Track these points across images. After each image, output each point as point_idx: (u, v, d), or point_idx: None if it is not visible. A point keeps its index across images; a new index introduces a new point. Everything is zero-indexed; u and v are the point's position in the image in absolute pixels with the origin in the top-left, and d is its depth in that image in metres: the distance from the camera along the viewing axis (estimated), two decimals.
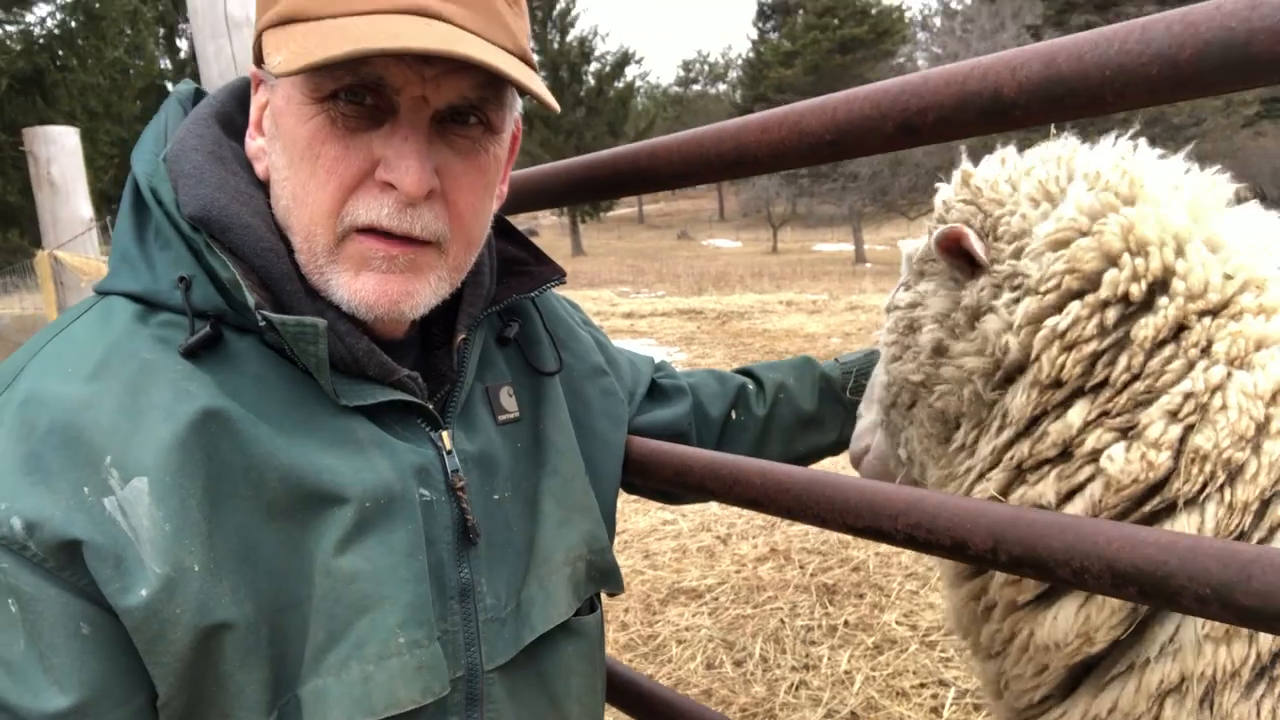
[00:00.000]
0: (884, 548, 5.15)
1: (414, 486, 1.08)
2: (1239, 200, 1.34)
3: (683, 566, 5.34)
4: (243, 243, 1.04)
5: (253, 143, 1.13)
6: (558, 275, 1.32)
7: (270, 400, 1.03)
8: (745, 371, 1.78)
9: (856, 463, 1.74)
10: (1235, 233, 1.26)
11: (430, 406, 1.14)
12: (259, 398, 1.02)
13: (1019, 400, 1.28)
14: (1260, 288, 1.23)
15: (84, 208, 6.42)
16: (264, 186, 1.10)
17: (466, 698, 1.11)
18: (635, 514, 6.08)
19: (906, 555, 5.06)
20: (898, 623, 4.37)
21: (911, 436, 1.50)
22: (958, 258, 1.35)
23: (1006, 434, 1.30)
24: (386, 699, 1.01)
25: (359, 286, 1.05)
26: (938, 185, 1.50)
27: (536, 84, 1.03)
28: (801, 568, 5.12)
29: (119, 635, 0.91)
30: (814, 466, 1.46)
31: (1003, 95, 0.82)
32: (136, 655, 0.91)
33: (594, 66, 53.89)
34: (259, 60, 1.07)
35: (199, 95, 1.23)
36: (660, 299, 20.67)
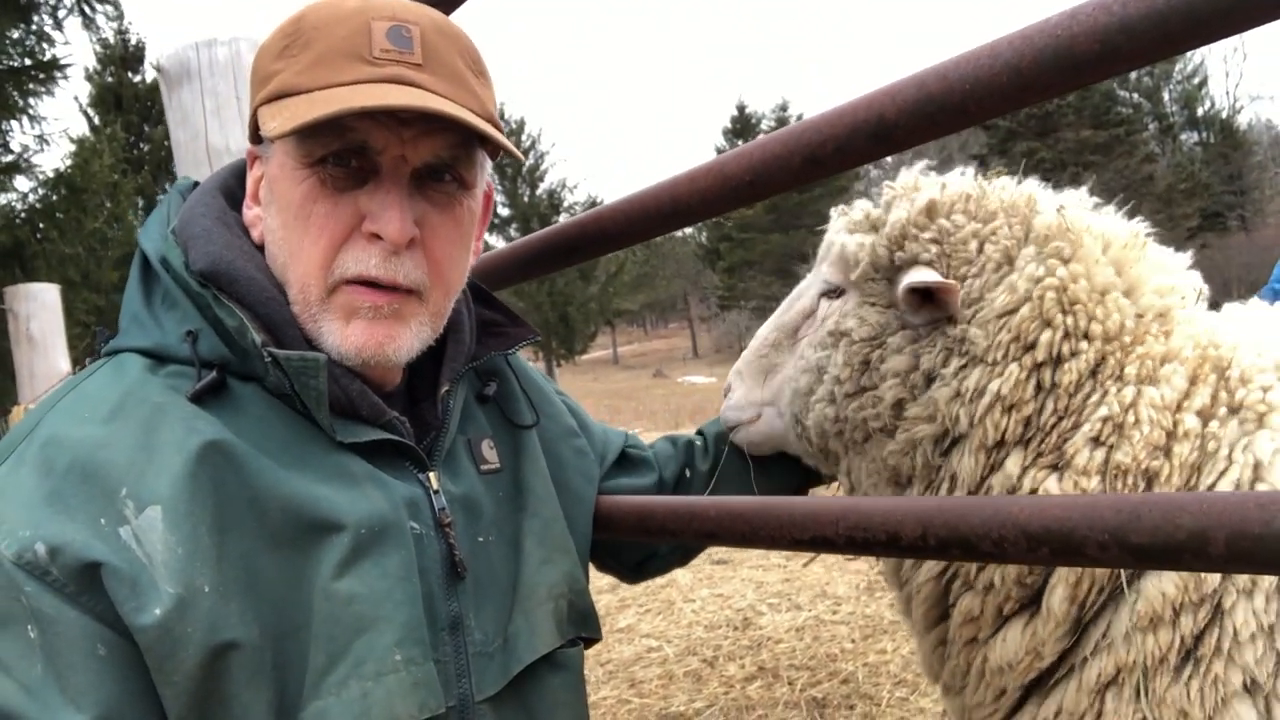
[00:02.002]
0: (872, 657, 5.08)
1: (405, 517, 1.16)
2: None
3: (670, 692, 5.22)
4: (248, 293, 1.14)
5: (249, 211, 1.25)
6: (531, 334, 1.44)
7: (271, 439, 1.12)
8: (700, 430, 1.86)
9: (731, 426, 1.75)
10: (1150, 274, 1.41)
11: (418, 449, 1.22)
12: (261, 436, 1.11)
13: (967, 464, 1.37)
14: (1163, 315, 1.38)
15: (62, 361, 6.48)
16: (261, 249, 1.22)
17: None
18: (619, 643, 5.98)
19: (894, 663, 4.99)
20: None
21: (859, 470, 1.55)
22: (921, 295, 1.42)
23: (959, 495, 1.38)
24: (385, 715, 1.05)
25: (348, 333, 1.15)
26: (886, 185, 1.57)
27: (503, 139, 1.16)
28: (790, 684, 5.03)
29: (134, 659, 0.96)
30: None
31: (886, 119, 0.95)
32: (149, 680, 0.96)
33: (563, 217, 55.63)
34: (255, 137, 1.20)
35: (194, 187, 1.36)
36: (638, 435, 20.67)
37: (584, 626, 1.39)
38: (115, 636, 0.95)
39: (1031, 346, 1.34)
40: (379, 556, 1.11)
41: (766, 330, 1.76)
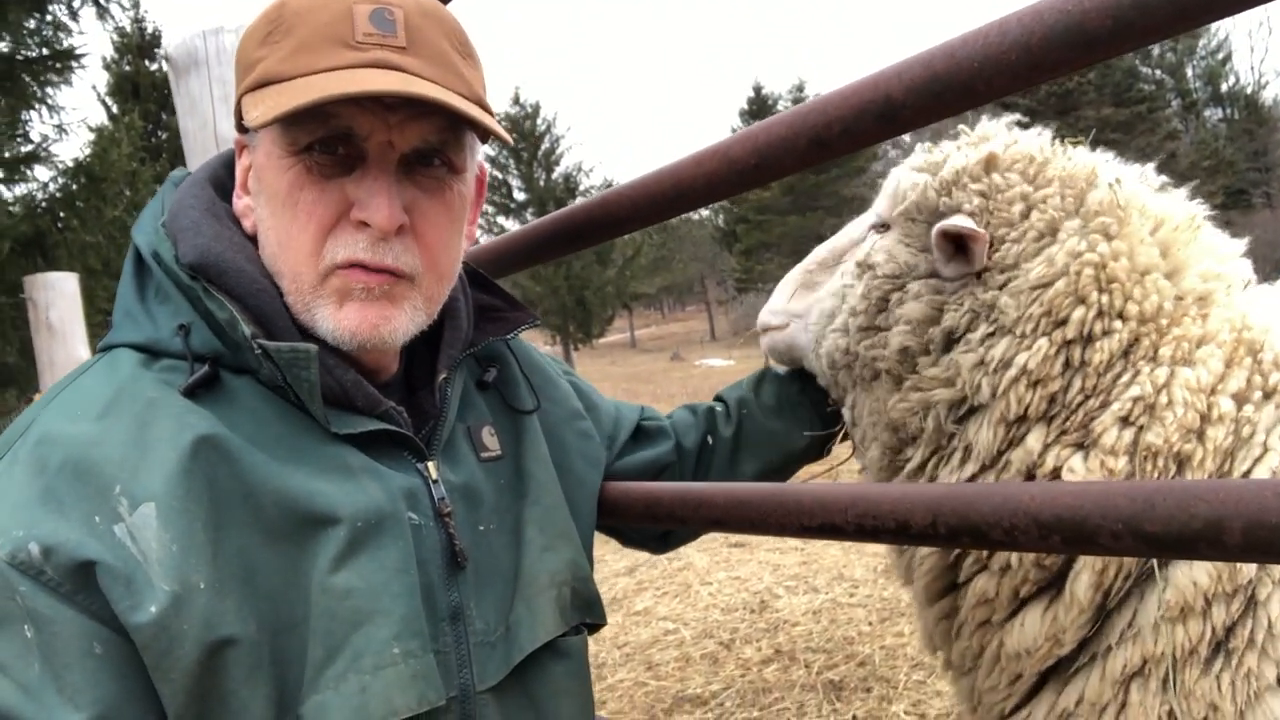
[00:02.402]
0: (889, 640, 5.07)
1: (403, 509, 1.15)
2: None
3: (686, 675, 5.23)
4: (237, 285, 1.13)
5: (239, 201, 1.24)
6: (530, 319, 1.43)
7: (265, 432, 1.11)
8: (719, 397, 1.84)
9: (763, 329, 1.78)
10: (1198, 259, 1.36)
11: (415, 438, 1.21)
12: (255, 430, 1.10)
13: (985, 436, 1.33)
14: (1204, 299, 1.34)
15: (81, 349, 6.52)
16: (253, 240, 1.21)
17: (460, 719, 1.15)
18: (636, 625, 5.99)
19: (911, 646, 4.98)
20: (906, 713, 4.28)
21: (862, 406, 1.53)
22: (954, 245, 1.39)
23: (970, 468, 1.35)
24: (384, 708, 1.05)
25: (342, 317, 1.14)
26: (961, 128, 1.52)
27: (490, 123, 1.14)
28: (807, 667, 5.03)
29: (130, 657, 0.96)
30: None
31: (893, 99, 0.93)
32: (147, 678, 0.96)
33: (579, 200, 55.26)
34: (241, 126, 1.19)
35: None
36: None
37: (588, 613, 1.38)
38: (111, 635, 0.95)
39: (1063, 322, 1.30)
40: (376, 549, 1.10)
41: (822, 247, 1.76)
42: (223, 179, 1.29)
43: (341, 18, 1.09)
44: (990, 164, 1.43)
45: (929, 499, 1.01)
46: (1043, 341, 1.30)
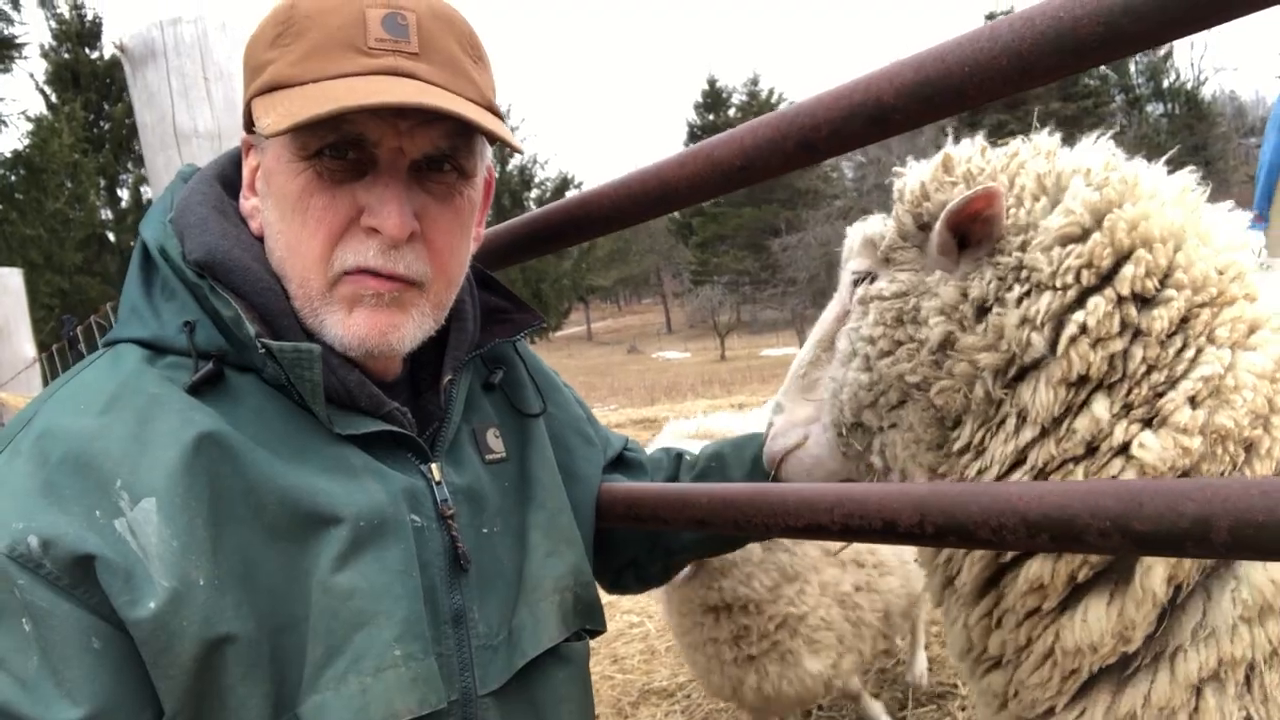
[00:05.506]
0: None
1: (405, 510, 1.15)
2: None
3: (652, 668, 5.25)
4: (244, 283, 1.13)
5: (246, 202, 1.23)
6: (538, 320, 1.43)
7: (269, 430, 1.11)
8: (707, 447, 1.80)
9: (776, 462, 1.62)
10: (1218, 229, 1.34)
11: (419, 440, 1.21)
12: (258, 428, 1.10)
13: (1043, 398, 1.26)
14: (1242, 278, 1.30)
15: (26, 347, 6.34)
16: (260, 239, 1.20)
17: None
18: None
19: None
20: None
21: (893, 441, 1.46)
22: (956, 233, 1.34)
23: (1028, 433, 1.28)
24: (384, 710, 1.05)
25: (351, 323, 1.14)
26: (899, 170, 1.49)
27: (501, 130, 1.14)
28: None
29: (129, 652, 0.95)
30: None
31: (884, 103, 0.94)
32: (145, 672, 0.96)
33: (535, 193, 55.27)
34: (249, 127, 1.17)
35: None
36: (613, 411, 20.73)
37: (589, 619, 1.38)
38: (110, 629, 0.95)
39: (1108, 277, 1.25)
40: (379, 550, 1.10)
41: (802, 354, 1.66)
42: (230, 176, 1.28)
43: (354, 22, 1.08)
44: (949, 164, 1.40)
45: (916, 498, 1.02)
46: (1096, 299, 1.24)
